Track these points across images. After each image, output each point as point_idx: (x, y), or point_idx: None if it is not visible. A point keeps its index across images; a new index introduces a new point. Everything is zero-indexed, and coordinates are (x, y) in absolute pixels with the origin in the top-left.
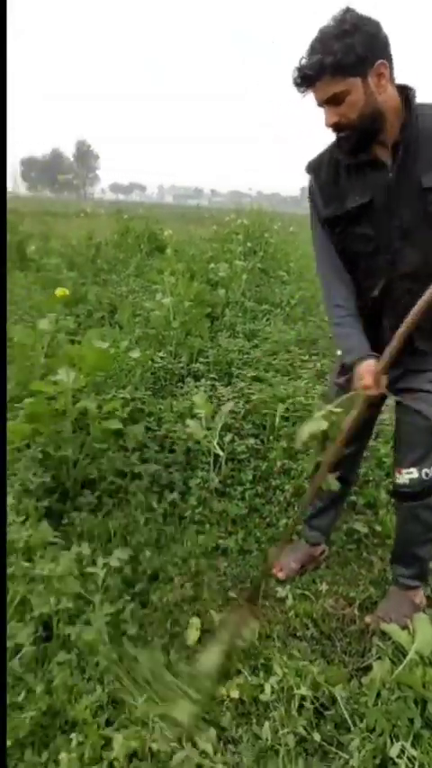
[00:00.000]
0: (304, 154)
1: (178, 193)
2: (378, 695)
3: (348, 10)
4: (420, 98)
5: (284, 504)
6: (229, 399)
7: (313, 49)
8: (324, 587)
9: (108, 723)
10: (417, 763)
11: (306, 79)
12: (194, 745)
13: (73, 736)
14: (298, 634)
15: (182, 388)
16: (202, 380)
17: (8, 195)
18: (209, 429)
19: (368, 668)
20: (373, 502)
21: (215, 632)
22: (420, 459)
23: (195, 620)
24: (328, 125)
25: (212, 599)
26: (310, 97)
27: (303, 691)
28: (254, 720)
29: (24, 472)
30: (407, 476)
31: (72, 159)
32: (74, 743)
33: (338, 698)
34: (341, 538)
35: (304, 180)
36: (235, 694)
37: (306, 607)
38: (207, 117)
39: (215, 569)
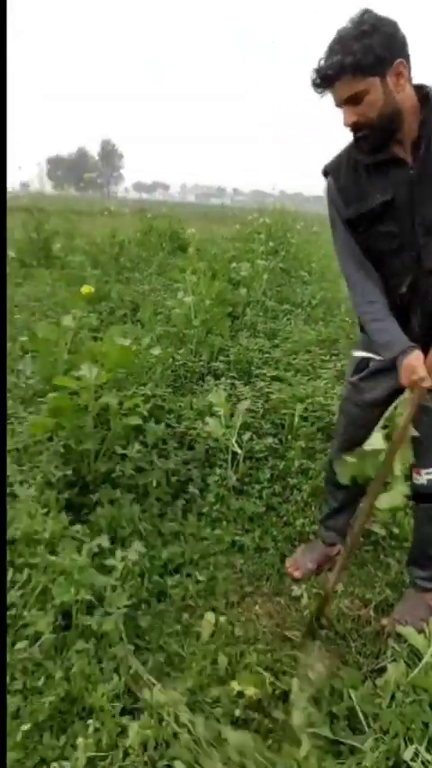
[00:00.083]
0: (304, 154)
1: (201, 192)
2: (392, 698)
3: (366, 11)
4: None
5: (302, 503)
6: (246, 398)
7: (332, 51)
8: (340, 588)
9: (124, 712)
10: None
11: (326, 79)
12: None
13: (90, 722)
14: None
15: (202, 386)
16: (222, 379)
17: (34, 194)
18: (228, 427)
19: (382, 670)
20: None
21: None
22: None
23: (210, 616)
24: (346, 125)
25: (228, 595)
26: (309, 97)
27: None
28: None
29: (46, 465)
30: (426, 476)
31: (97, 158)
32: (91, 729)
33: (353, 698)
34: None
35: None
36: (250, 692)
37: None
38: (207, 117)
39: (231, 566)
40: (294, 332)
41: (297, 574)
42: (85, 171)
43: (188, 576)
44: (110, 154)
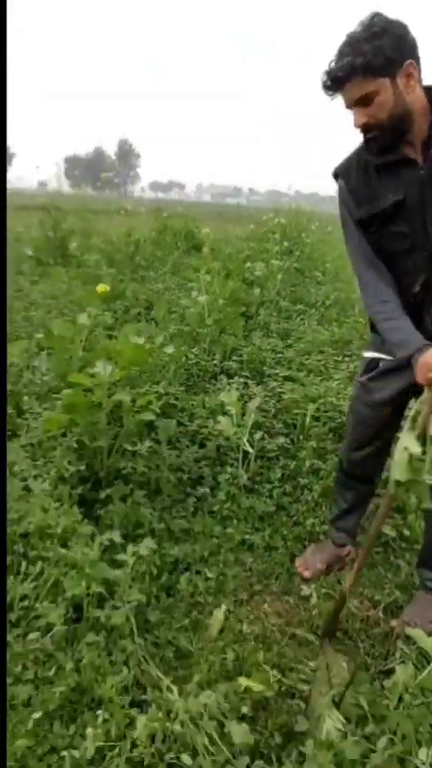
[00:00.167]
0: (304, 154)
1: (217, 192)
2: (400, 699)
3: (376, 14)
4: None
5: (312, 503)
6: (256, 395)
7: (342, 53)
8: None
9: (132, 704)
10: None
11: (336, 81)
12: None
13: (99, 713)
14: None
15: (214, 384)
16: (235, 378)
17: (52, 193)
18: (239, 426)
19: (390, 671)
20: (402, 506)
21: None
22: None
23: (219, 613)
24: (357, 126)
25: (237, 593)
26: (309, 97)
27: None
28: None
29: (60, 460)
30: None
31: (114, 158)
32: (100, 719)
33: (361, 699)
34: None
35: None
36: (257, 689)
37: (330, 606)
38: (207, 117)
39: (241, 564)
40: (308, 332)
41: (307, 574)
42: (102, 170)
43: (198, 572)
44: (127, 153)
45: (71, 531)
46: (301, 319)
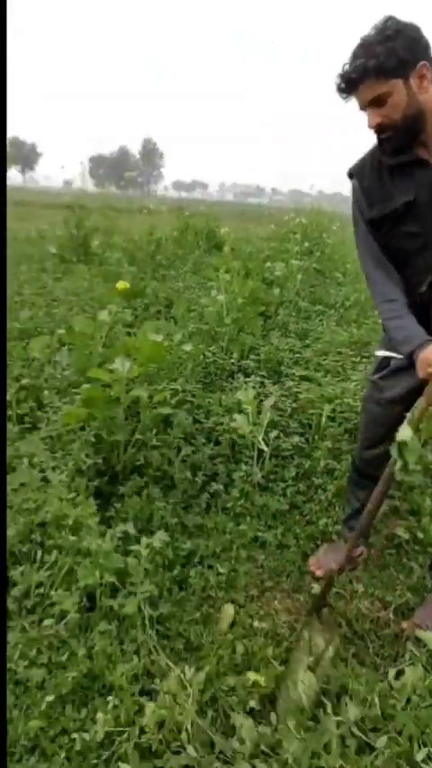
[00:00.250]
0: (304, 154)
1: (239, 191)
2: (408, 701)
3: (390, 18)
4: None
5: (326, 503)
6: (272, 393)
7: (356, 55)
8: (360, 588)
9: (142, 692)
10: None
11: (350, 83)
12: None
13: (110, 699)
14: None
15: (231, 383)
16: (252, 377)
17: (77, 191)
18: (255, 424)
19: (399, 673)
20: (416, 509)
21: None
22: None
23: (229, 608)
24: (370, 126)
25: (248, 589)
26: (309, 97)
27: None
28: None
29: (78, 453)
30: None
31: (138, 157)
32: (110, 705)
33: (368, 698)
34: (382, 542)
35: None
36: (265, 684)
37: (341, 606)
38: (207, 117)
39: (253, 560)
40: (326, 333)
41: (319, 572)
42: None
43: (210, 567)
44: (151, 153)
45: (86, 521)
46: (320, 320)
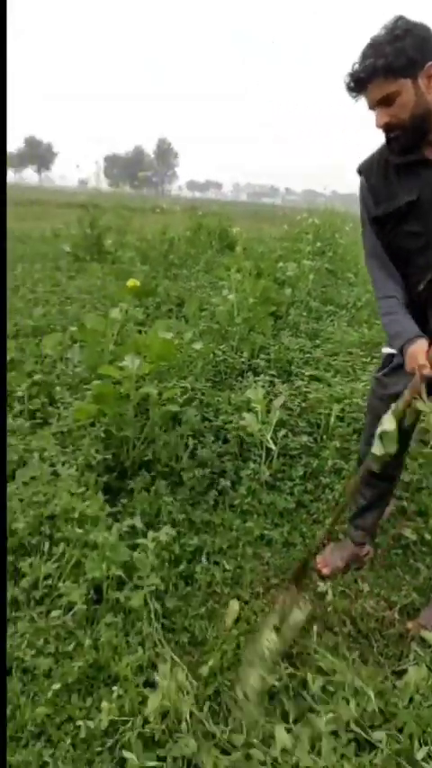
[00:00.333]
0: (304, 154)
1: (253, 191)
2: (411, 700)
3: (399, 17)
4: None
5: (333, 502)
6: (282, 392)
7: (365, 55)
8: (366, 588)
9: (146, 684)
10: None
11: (359, 82)
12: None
13: (114, 689)
14: (335, 630)
15: (241, 382)
16: (262, 376)
17: (91, 191)
18: (263, 423)
19: (403, 672)
20: (424, 509)
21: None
22: None
23: (234, 604)
24: (379, 126)
25: (253, 585)
26: (309, 97)
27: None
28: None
29: (88, 448)
30: None
31: (153, 157)
32: (115, 695)
33: (371, 696)
34: (388, 542)
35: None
36: (268, 679)
37: (346, 605)
38: (207, 117)
39: (259, 558)
40: (337, 333)
41: (326, 571)
42: (140, 169)
43: (216, 563)
44: (165, 152)
45: (94, 515)
46: (331, 320)
